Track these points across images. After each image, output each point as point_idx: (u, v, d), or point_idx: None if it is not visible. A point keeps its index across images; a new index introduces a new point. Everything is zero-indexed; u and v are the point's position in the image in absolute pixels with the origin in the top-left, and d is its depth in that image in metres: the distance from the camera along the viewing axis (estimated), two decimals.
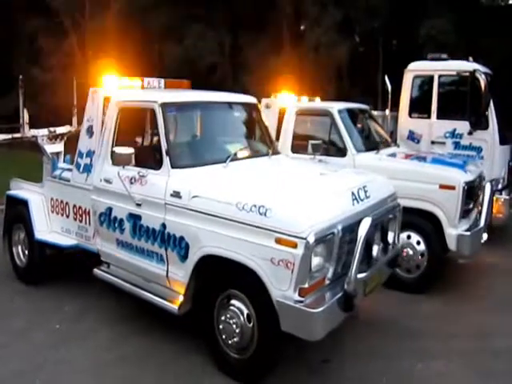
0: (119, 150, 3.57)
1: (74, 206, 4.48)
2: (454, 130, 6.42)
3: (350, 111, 5.73)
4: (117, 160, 3.55)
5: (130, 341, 3.86)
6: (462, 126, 6.36)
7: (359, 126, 5.81)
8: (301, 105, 5.64)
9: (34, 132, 5.76)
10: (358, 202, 3.36)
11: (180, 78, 5.14)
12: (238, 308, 3.21)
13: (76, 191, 4.39)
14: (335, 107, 5.34)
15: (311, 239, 2.77)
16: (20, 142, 5.69)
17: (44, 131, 5.83)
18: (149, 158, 3.71)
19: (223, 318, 3.26)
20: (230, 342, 3.26)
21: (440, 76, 6.56)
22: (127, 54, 11.68)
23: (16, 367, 3.49)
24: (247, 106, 4.48)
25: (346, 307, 3.04)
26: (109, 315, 4.30)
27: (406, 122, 6.80)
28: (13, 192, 5.04)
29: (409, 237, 4.87)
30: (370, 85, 11.31)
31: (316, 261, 2.90)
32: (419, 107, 6.74)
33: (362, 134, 5.66)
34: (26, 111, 5.69)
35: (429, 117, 6.62)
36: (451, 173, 4.70)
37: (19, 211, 4.85)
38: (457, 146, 6.42)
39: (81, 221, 4.43)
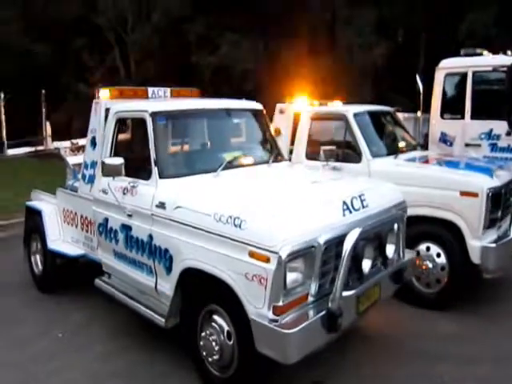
0: (109, 160, 3.57)
1: (81, 216, 4.54)
2: (491, 130, 5.87)
3: (370, 114, 5.41)
4: (106, 170, 3.54)
5: (125, 355, 3.80)
6: (499, 127, 5.80)
7: (380, 129, 5.45)
8: (315, 109, 5.39)
9: (56, 144, 5.98)
10: (350, 212, 3.10)
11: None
12: (219, 324, 3.05)
13: (82, 201, 4.45)
14: (351, 111, 5.04)
15: (284, 254, 2.57)
16: (43, 154, 5.93)
17: (67, 143, 6.04)
18: (140, 169, 3.65)
19: (203, 334, 3.13)
20: (210, 359, 3.11)
21: (474, 72, 6.03)
22: (165, 66, 11.93)
23: (8, 378, 3.55)
24: (250, 113, 4.34)
25: (329, 328, 2.79)
26: (111, 328, 4.27)
27: (438, 123, 6.33)
28: (30, 203, 5.22)
29: (428, 248, 4.47)
30: (410, 86, 10.74)
31: (292, 277, 2.68)
32: (452, 107, 6.24)
33: (381, 138, 5.30)
34: (48, 124, 5.92)
35: (462, 117, 6.11)
36: (474, 178, 4.25)
37: (35, 221, 5.01)
38: (493, 148, 5.87)
39: (87, 231, 4.48)
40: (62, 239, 4.86)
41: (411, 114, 7.09)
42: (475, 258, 4.21)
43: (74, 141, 6.09)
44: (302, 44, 11.68)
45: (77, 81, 14.07)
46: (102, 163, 3.56)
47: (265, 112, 4.45)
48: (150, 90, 4.46)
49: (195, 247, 3.06)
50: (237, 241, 2.78)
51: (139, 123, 3.71)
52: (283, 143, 5.53)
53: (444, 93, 6.29)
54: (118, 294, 3.94)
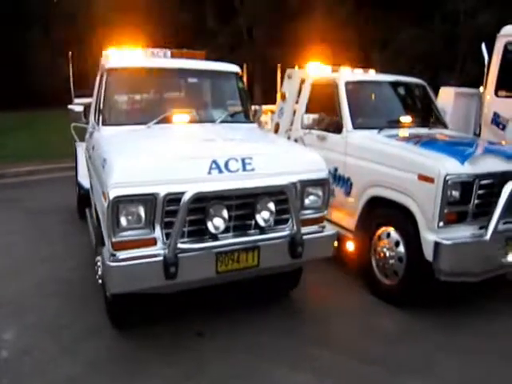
0: (72, 107, 4.23)
1: None
2: None
3: (384, 85, 4.94)
4: (71, 116, 4.22)
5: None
6: None
7: (388, 102, 4.89)
8: (315, 76, 5.09)
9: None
10: (220, 171, 3.13)
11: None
12: None
13: None
14: (343, 78, 4.67)
15: (112, 195, 2.83)
16: None
17: None
18: (97, 116, 4.22)
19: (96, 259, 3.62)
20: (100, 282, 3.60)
21: None
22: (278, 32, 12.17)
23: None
24: (219, 74, 4.47)
25: (165, 274, 2.98)
26: None
27: (492, 101, 5.31)
28: (76, 143, 6.32)
29: (388, 235, 4.05)
30: None
31: (128, 218, 2.92)
32: (509, 83, 5.15)
33: (380, 111, 4.77)
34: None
35: None
36: (434, 161, 3.62)
37: (75, 158, 6.11)
38: None
39: None
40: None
41: (473, 89, 5.98)
42: (427, 253, 3.68)
43: None
44: (400, 14, 10.44)
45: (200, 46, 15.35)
46: (68, 109, 4.24)
47: (240, 74, 4.52)
48: (149, 50, 4.91)
49: (95, 184, 3.54)
50: (102, 180, 3.15)
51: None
52: (288, 108, 5.47)
53: (502, 65, 5.21)
54: (88, 220, 4.68)
